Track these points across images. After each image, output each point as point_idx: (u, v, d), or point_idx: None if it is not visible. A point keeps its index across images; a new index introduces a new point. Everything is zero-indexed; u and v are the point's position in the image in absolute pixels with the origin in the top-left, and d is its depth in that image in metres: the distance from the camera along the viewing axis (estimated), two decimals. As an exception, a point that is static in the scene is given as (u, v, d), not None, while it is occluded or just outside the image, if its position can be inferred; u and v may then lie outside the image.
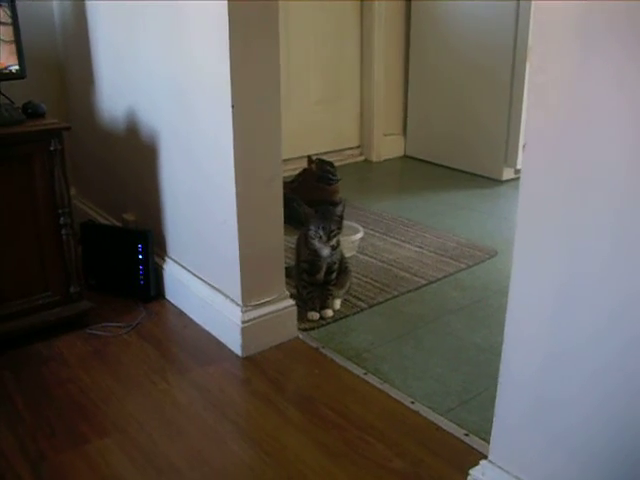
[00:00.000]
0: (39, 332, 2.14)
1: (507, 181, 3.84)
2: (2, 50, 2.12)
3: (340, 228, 2.21)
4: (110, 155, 2.67)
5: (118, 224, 2.67)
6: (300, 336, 2.18)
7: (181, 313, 2.34)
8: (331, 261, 2.26)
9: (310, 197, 3.21)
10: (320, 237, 2.17)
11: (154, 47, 2.20)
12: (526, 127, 1.17)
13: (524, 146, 1.17)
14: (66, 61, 2.88)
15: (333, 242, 2.20)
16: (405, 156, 4.48)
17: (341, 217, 2.22)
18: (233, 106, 1.84)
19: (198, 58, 1.96)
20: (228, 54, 1.79)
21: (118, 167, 2.64)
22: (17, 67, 2.16)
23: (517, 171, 3.80)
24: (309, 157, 3.35)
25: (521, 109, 3.64)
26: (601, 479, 1.18)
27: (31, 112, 2.07)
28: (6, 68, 2.14)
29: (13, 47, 2.15)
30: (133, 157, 2.48)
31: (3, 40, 2.12)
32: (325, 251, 2.22)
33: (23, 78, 2.19)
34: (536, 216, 1.18)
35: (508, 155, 3.82)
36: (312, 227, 2.19)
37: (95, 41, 2.58)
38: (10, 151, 2.00)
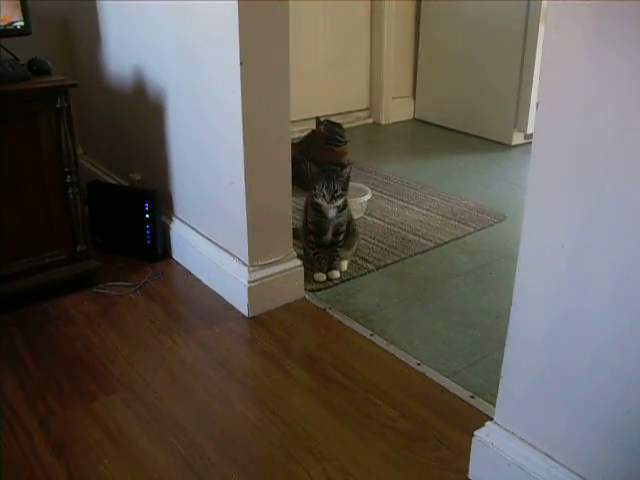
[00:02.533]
0: (46, 291, 2.14)
1: (517, 146, 3.80)
2: (6, 6, 2.08)
3: (345, 189, 2.19)
4: (117, 114, 2.64)
5: (125, 183, 2.65)
6: (307, 297, 2.17)
7: (188, 273, 2.33)
8: (338, 222, 2.24)
9: (318, 158, 3.17)
10: (324, 196, 2.16)
11: (162, 3, 2.15)
12: (539, 85, 1.14)
13: (537, 104, 1.14)
14: (72, 17, 2.83)
15: (338, 203, 2.18)
16: (414, 119, 4.43)
17: (347, 179, 2.20)
18: (242, 63, 1.80)
19: (206, 15, 1.92)
20: (237, 11, 1.75)
21: (125, 126, 2.61)
22: (22, 23, 2.12)
23: (527, 136, 3.74)
24: (317, 118, 3.31)
25: (532, 73, 3.58)
26: (605, 441, 1.17)
27: (36, 69, 2.04)
28: (10, 24, 2.11)
29: (17, 2, 2.10)
30: (140, 116, 2.45)
31: (8, -5, 2.08)
32: (331, 212, 2.21)
33: (28, 34, 2.15)
34: (548, 176, 1.16)
35: (518, 120, 3.76)
36: (316, 186, 2.17)
37: (101, -3, 2.54)
38: (15, 108, 1.98)
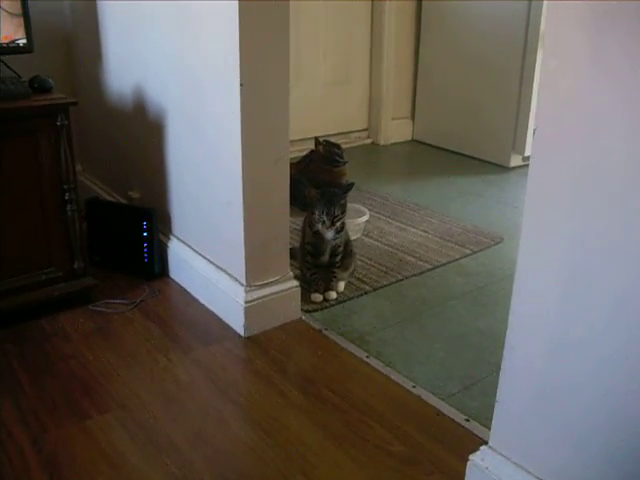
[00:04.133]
0: (43, 307, 2.14)
1: (515, 168, 3.82)
2: (10, 23, 2.11)
3: (344, 212, 2.20)
4: (117, 132, 2.66)
5: (124, 201, 2.66)
6: (303, 317, 2.17)
7: (184, 291, 2.34)
8: (335, 244, 2.25)
9: (317, 179, 3.19)
10: (323, 222, 2.16)
11: (163, 24, 2.17)
12: (537, 112, 1.16)
13: (534, 131, 1.15)
14: (74, 36, 2.85)
15: (337, 227, 2.19)
16: (413, 140, 4.45)
17: (345, 202, 2.20)
18: (242, 85, 1.82)
19: (207, 36, 1.94)
20: (237, 32, 1.77)
21: (124, 144, 2.62)
22: (24, 41, 2.15)
23: (525, 158, 3.77)
24: (316, 139, 3.33)
25: (530, 96, 3.61)
26: (603, 468, 1.17)
27: (38, 87, 2.06)
28: (13, 41, 2.13)
29: (21, 20, 2.13)
30: (140, 134, 2.47)
31: (11, 13, 2.10)
32: (329, 234, 2.21)
33: (30, 52, 2.17)
34: (544, 201, 1.17)
35: (516, 142, 3.79)
36: (316, 211, 2.17)
37: (103, 17, 2.56)
38: (16, 125, 1.99)
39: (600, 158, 1.06)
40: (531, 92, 3.60)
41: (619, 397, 1.12)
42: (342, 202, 2.18)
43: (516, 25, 3.61)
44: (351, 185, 2.26)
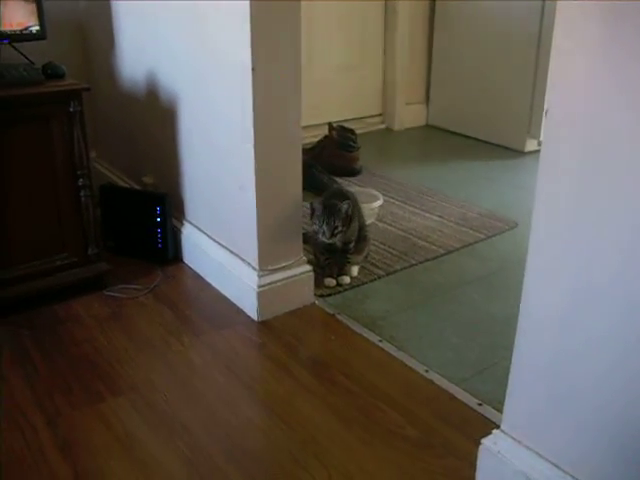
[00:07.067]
0: (57, 293, 2.16)
1: (530, 152, 3.78)
2: (23, 10, 2.11)
3: (345, 225, 2.16)
4: (130, 117, 2.66)
5: (137, 187, 2.67)
6: (316, 302, 2.17)
7: (198, 276, 2.34)
8: (345, 240, 2.22)
9: (330, 164, 3.20)
10: (324, 232, 2.14)
11: (176, 7, 2.17)
12: (548, 93, 1.14)
13: (546, 112, 1.14)
14: (87, 23, 2.85)
15: (338, 238, 2.17)
16: (427, 125, 4.42)
17: (347, 214, 2.16)
18: (254, 69, 1.81)
19: (219, 19, 1.93)
20: (249, 14, 1.76)
21: (137, 130, 2.63)
22: (37, 27, 2.15)
23: (540, 143, 3.73)
24: (330, 124, 3.33)
25: (546, 80, 3.57)
26: (619, 452, 1.16)
27: (50, 73, 2.06)
28: (26, 29, 2.13)
29: (34, 7, 2.13)
30: (153, 120, 2.47)
31: (24, 0, 2.10)
32: (331, 243, 2.18)
33: (44, 39, 2.17)
34: (556, 185, 1.16)
35: (532, 126, 3.75)
36: (316, 222, 2.16)
37: (117, 2, 2.56)
38: (29, 111, 2.00)
39: (613, 140, 1.05)
40: (546, 75, 3.55)
41: (631, 388, 1.11)
42: (342, 214, 2.14)
43: (532, 7, 3.56)
44: (350, 200, 2.21)
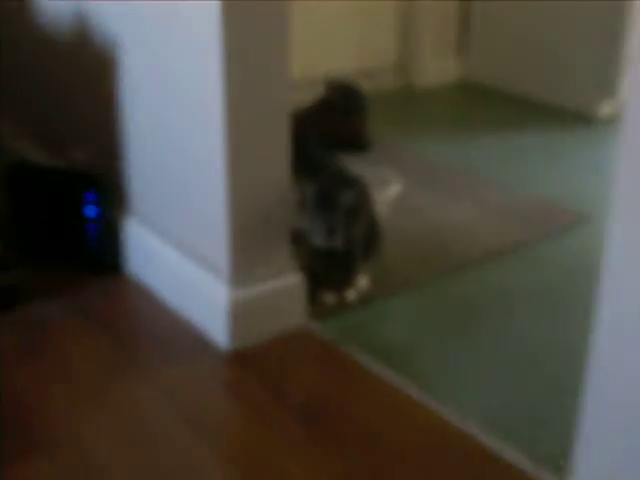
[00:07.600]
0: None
1: (605, 119, 3.79)
2: None
3: (348, 222, 2.15)
4: (51, 70, 2.66)
5: (61, 165, 2.65)
6: (310, 325, 2.18)
7: (146, 291, 2.35)
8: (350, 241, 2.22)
9: (329, 134, 3.19)
10: (317, 232, 2.13)
11: None
12: (633, 37, 1.14)
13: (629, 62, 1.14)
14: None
15: (336, 239, 2.16)
16: (462, 81, 4.44)
17: (350, 207, 2.14)
18: None
19: None
20: None
21: (62, 88, 2.63)
22: None
23: (622, 103, 3.74)
24: (328, 80, 3.32)
25: (627, 19, 3.58)
26: None
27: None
28: None
29: None
30: (82, 73, 2.47)
31: None
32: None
33: None
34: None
35: (607, 82, 3.76)
36: (308, 216, 2.16)
37: None
38: None
39: None
40: (629, 13, 3.56)
41: None
42: (345, 207, 2.13)
43: None
44: (357, 189, 2.21)
